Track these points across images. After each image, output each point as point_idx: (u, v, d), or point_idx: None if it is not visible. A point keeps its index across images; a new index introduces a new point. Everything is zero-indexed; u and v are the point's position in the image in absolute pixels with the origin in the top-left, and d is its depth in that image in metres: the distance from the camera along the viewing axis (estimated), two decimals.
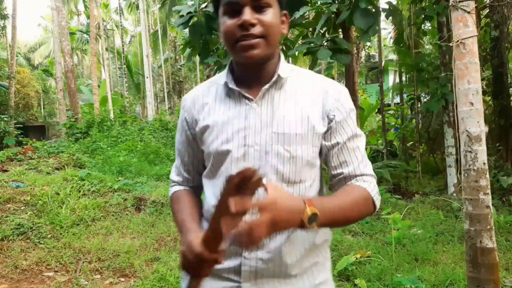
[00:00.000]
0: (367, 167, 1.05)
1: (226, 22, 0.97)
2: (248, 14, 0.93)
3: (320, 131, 1.01)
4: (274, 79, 1.01)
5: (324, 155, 1.05)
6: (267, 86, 1.01)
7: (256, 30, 0.94)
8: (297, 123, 0.99)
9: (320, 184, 1.08)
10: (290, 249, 1.01)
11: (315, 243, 1.06)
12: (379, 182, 7.47)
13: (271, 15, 0.96)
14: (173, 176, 1.23)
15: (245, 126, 1.00)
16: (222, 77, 1.07)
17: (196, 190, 1.21)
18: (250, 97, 1.01)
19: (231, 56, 1.03)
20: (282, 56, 1.05)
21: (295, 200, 0.85)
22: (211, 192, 1.08)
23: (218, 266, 0.91)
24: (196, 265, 0.90)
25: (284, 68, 1.03)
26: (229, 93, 1.04)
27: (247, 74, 1.03)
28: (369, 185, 1.01)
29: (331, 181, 1.08)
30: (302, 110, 1.00)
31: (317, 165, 1.06)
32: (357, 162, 1.03)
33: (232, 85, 1.02)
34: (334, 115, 1.02)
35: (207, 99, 1.08)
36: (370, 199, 1.00)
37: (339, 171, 1.04)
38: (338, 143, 1.03)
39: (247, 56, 0.96)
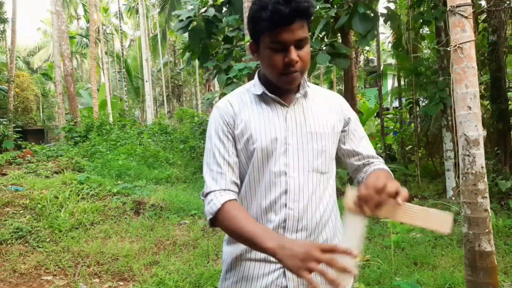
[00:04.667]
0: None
1: (273, 57, 1.12)
2: (294, 54, 1.10)
3: (339, 131, 1.26)
4: (304, 90, 1.22)
5: (346, 149, 1.30)
6: (299, 95, 1.21)
7: (298, 66, 1.12)
8: (323, 124, 1.22)
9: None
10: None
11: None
12: None
13: (307, 50, 1.14)
14: (217, 182, 1.18)
15: (285, 127, 1.18)
16: (255, 87, 1.24)
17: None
18: (285, 103, 1.20)
19: (272, 79, 1.17)
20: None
21: None
22: (257, 194, 1.20)
23: (256, 252, 1.14)
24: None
25: (306, 81, 1.24)
26: (265, 101, 1.22)
27: (279, 86, 1.20)
28: (384, 165, 1.32)
29: (358, 165, 1.32)
30: (324, 114, 1.24)
31: (334, 157, 1.29)
32: (372, 149, 1.34)
33: (270, 94, 1.20)
34: (350, 118, 1.29)
35: (244, 105, 1.22)
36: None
37: (364, 155, 1.31)
38: (362, 137, 1.32)
39: (290, 86, 1.18)
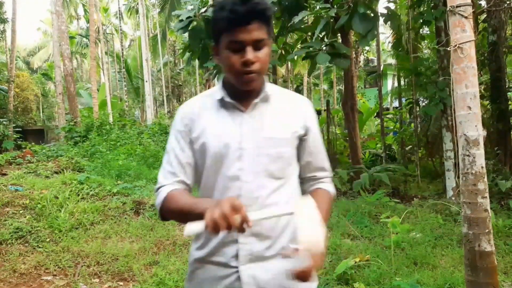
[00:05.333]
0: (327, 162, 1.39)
1: (231, 57, 1.14)
2: (250, 54, 1.12)
3: (299, 136, 1.26)
4: (262, 95, 1.23)
5: (299, 155, 1.30)
6: (257, 100, 1.22)
7: (255, 67, 1.14)
8: (282, 129, 1.22)
9: (297, 179, 1.32)
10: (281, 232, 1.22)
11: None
12: (378, 186, 7.44)
13: (266, 52, 1.16)
14: (167, 179, 1.23)
15: (240, 132, 1.19)
16: (217, 92, 1.25)
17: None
18: (243, 108, 1.22)
19: (231, 80, 1.20)
20: (266, 77, 1.27)
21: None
22: (212, 197, 1.21)
23: (216, 256, 1.19)
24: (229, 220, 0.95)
25: (269, 86, 1.25)
26: (224, 105, 1.23)
27: (240, 91, 1.21)
28: (330, 185, 1.37)
29: (306, 176, 1.34)
30: (285, 119, 1.24)
31: (296, 163, 1.29)
32: (325, 163, 1.36)
33: (228, 99, 1.22)
34: (310, 127, 1.29)
35: (204, 109, 1.25)
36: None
37: (313, 167, 1.34)
38: (318, 149, 1.33)
39: (247, 87, 1.18)
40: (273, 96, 1.26)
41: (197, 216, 1.01)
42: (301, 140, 1.28)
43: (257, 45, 1.13)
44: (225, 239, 1.17)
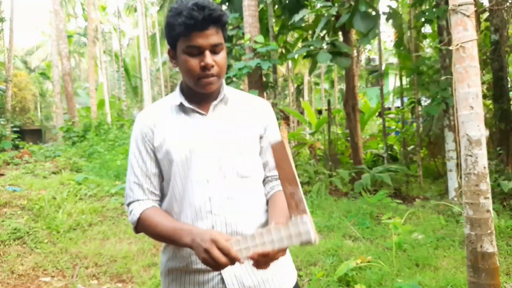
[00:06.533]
0: None
1: (189, 61, 1.17)
2: (209, 58, 1.15)
3: (260, 135, 1.28)
4: (221, 97, 1.25)
5: (260, 156, 1.31)
6: (216, 102, 1.24)
7: (214, 70, 1.17)
8: (243, 129, 1.25)
9: (261, 178, 1.33)
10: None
11: None
12: (380, 186, 7.42)
13: (223, 55, 1.20)
14: (134, 191, 1.23)
15: (203, 135, 1.21)
16: (175, 97, 1.26)
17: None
18: (203, 112, 1.23)
19: (190, 84, 1.21)
20: (224, 80, 1.29)
21: None
22: (183, 203, 1.21)
23: (194, 264, 1.19)
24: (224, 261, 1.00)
25: (226, 88, 1.28)
26: (183, 110, 1.24)
27: (198, 95, 1.24)
28: None
29: (265, 176, 1.33)
30: (245, 119, 1.26)
31: (260, 162, 1.30)
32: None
33: (187, 104, 1.23)
34: (268, 125, 1.30)
35: (163, 116, 1.25)
36: None
37: (271, 167, 1.32)
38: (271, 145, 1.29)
39: (206, 90, 1.19)
40: (231, 98, 1.28)
41: (181, 245, 1.12)
42: (261, 139, 1.30)
43: (215, 49, 1.17)
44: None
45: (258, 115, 1.30)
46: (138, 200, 1.22)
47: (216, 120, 1.23)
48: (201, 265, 1.18)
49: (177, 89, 1.29)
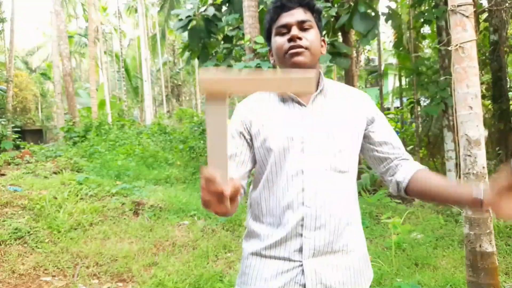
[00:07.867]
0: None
1: (277, 40, 1.20)
2: (295, 30, 1.17)
3: (362, 129, 1.24)
4: (320, 87, 1.23)
5: (374, 147, 1.26)
6: (316, 93, 1.22)
7: (302, 42, 1.16)
8: (343, 122, 1.21)
9: (356, 173, 1.29)
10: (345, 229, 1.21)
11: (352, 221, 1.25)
12: (379, 186, 7.40)
13: (313, 34, 1.19)
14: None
15: (302, 126, 1.18)
16: None
17: None
18: (303, 103, 1.21)
19: (280, 64, 1.22)
20: (322, 72, 1.27)
21: None
22: (275, 192, 1.19)
23: (277, 250, 1.17)
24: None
25: (325, 80, 1.26)
26: (284, 100, 1.23)
27: None
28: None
29: (389, 164, 1.26)
30: (344, 112, 1.22)
31: (357, 158, 1.26)
32: (402, 147, 1.30)
33: (288, 93, 1.20)
34: (374, 117, 1.26)
35: (263, 104, 1.25)
36: None
37: (397, 155, 1.26)
38: (390, 136, 1.27)
39: (294, 62, 1.17)
40: (330, 90, 1.26)
41: None
42: (366, 131, 1.25)
43: (302, 25, 1.18)
44: (288, 234, 1.16)
45: (359, 108, 1.26)
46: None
47: (316, 112, 1.21)
48: (283, 252, 1.18)
49: None
